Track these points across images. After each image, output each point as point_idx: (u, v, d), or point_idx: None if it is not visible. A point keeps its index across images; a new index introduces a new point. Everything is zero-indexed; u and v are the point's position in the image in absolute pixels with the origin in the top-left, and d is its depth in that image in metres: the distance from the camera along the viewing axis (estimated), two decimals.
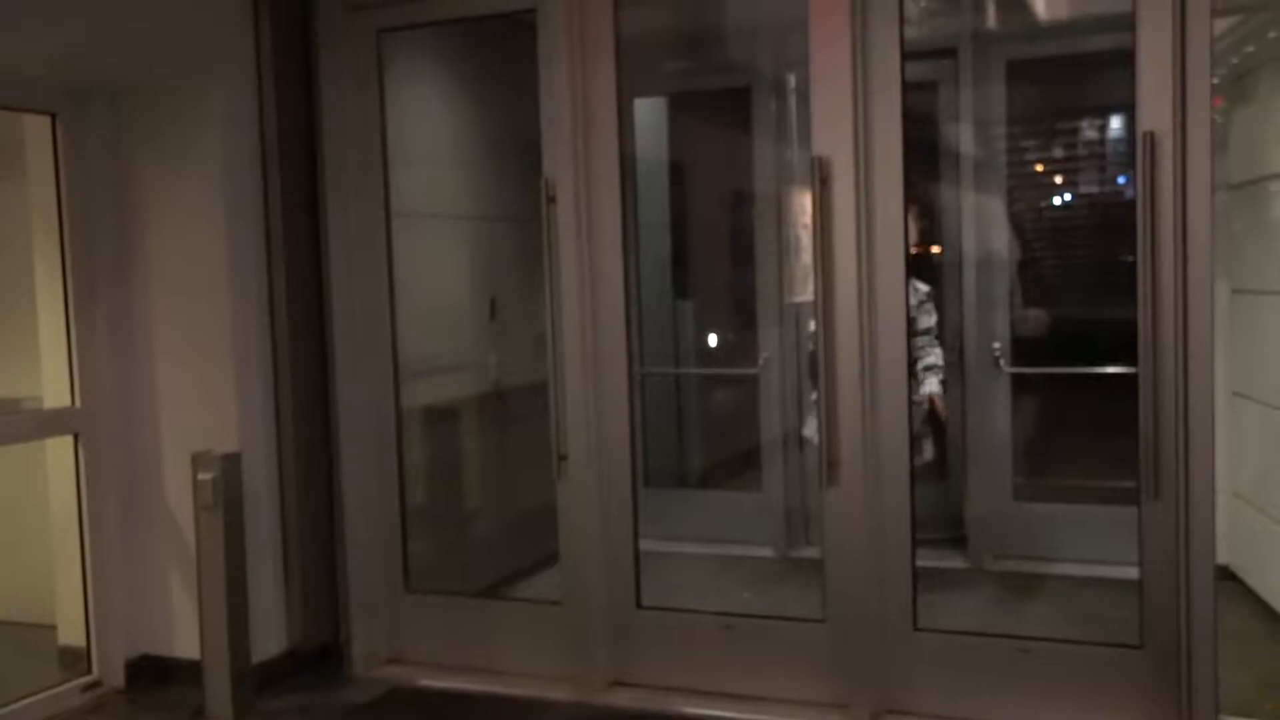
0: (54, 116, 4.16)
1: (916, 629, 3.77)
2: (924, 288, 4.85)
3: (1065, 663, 3.64)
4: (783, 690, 3.91)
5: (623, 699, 4.05)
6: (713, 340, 6.37)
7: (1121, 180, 5.70)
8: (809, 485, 5.53)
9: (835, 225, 3.72)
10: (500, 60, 4.95)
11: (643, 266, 5.60)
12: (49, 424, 4.24)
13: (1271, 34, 4.55)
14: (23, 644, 4.73)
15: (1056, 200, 5.91)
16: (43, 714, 4.04)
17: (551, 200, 4.05)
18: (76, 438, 4.23)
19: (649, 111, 6.03)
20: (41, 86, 4.06)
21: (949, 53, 5.35)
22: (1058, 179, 5.89)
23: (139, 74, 4.11)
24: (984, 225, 5.42)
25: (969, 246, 5.38)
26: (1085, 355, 5.26)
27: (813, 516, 5.31)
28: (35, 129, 4.22)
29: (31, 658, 4.59)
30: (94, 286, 4.24)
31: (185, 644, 4.20)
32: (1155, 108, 3.35)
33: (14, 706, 3.98)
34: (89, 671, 4.26)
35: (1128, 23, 3.40)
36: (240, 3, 4.23)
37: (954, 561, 5.30)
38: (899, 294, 3.72)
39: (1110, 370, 4.98)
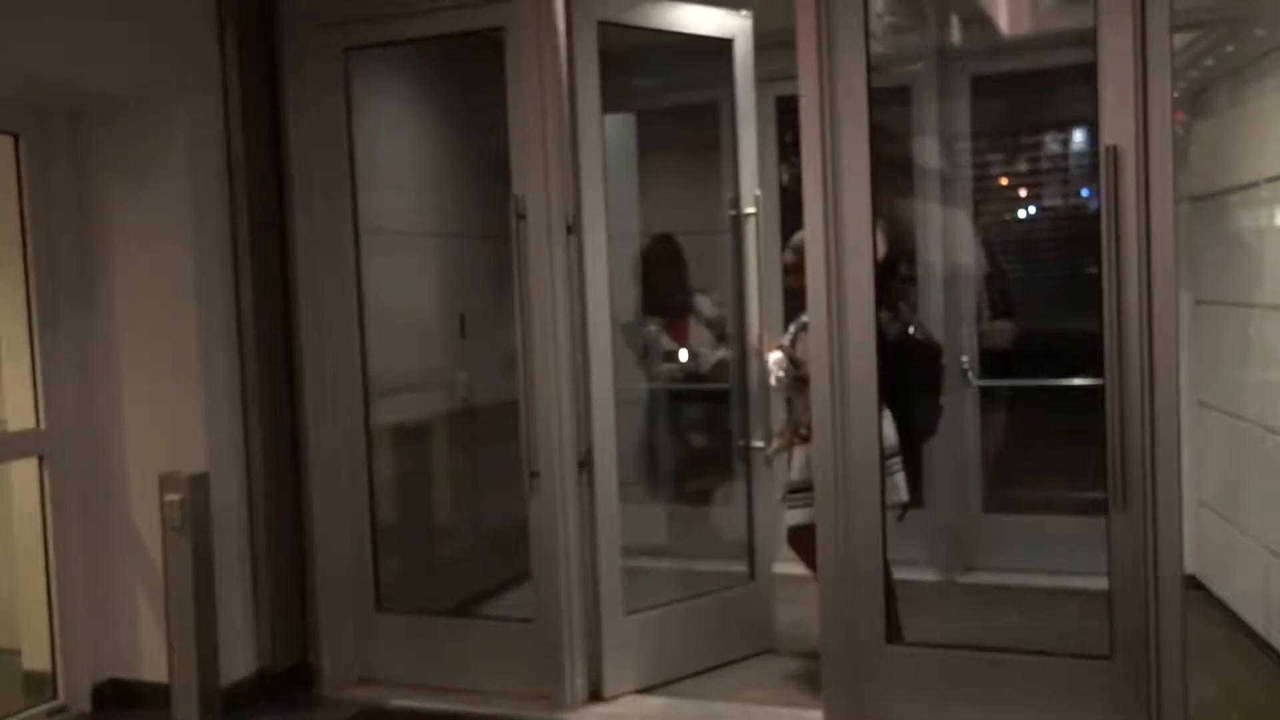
0: (16, 137, 4.12)
1: (889, 642, 3.79)
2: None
3: (1036, 674, 3.66)
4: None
5: (597, 714, 4.04)
6: (684, 355, 6.36)
7: (1085, 193, 5.78)
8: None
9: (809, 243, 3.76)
10: (468, 77, 4.95)
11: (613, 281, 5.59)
12: (13, 446, 4.18)
13: (1229, 48, 4.64)
14: None
15: (1022, 213, 5.97)
16: None
17: (521, 217, 4.05)
18: (41, 460, 4.17)
19: (618, 128, 6.04)
20: (3, 107, 4.01)
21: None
22: (1023, 192, 5.96)
23: (102, 94, 4.07)
24: (950, 239, 5.47)
25: (935, 260, 5.43)
26: (1052, 367, 5.31)
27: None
28: None
29: None
30: (58, 307, 4.20)
31: (153, 667, 4.15)
32: (1117, 121, 3.39)
33: None
34: (55, 697, 4.19)
35: (1089, 38, 3.45)
36: (205, 22, 4.22)
37: (924, 574, 5.33)
38: (868, 316, 3.75)
39: (1077, 382, 5.04)
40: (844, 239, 3.74)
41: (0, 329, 4.24)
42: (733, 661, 4.43)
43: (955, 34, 5.61)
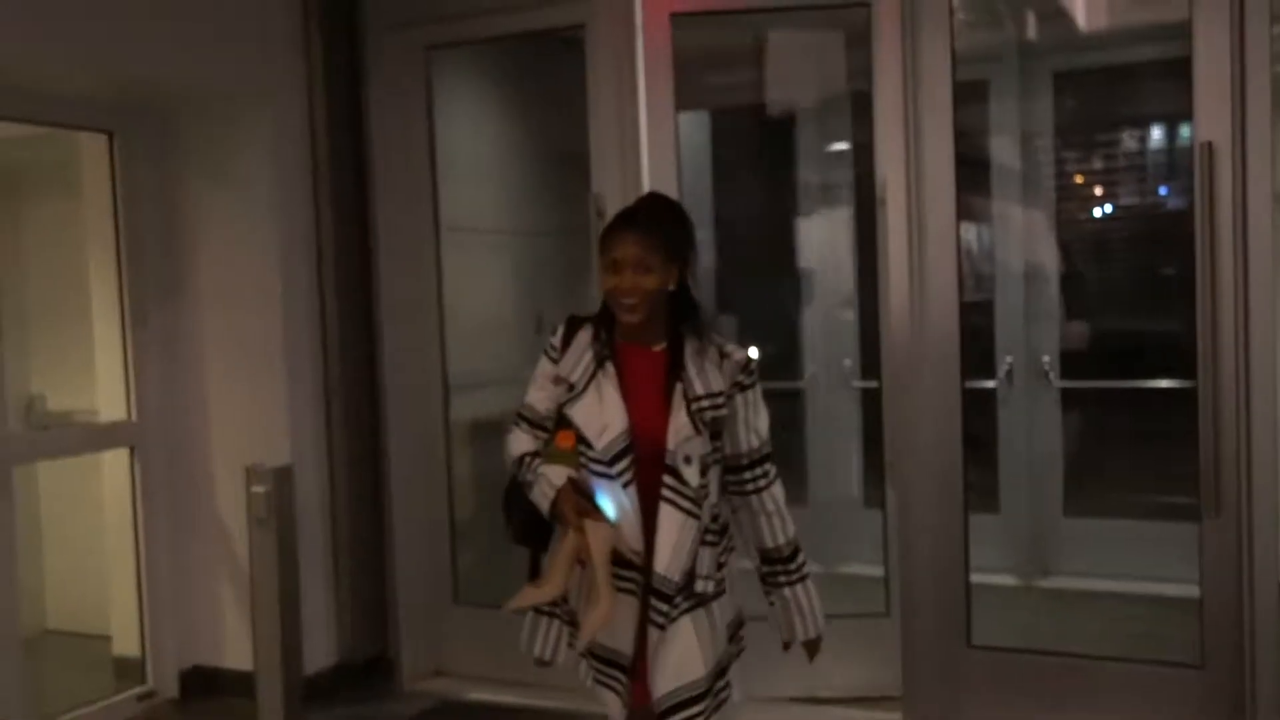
0: (111, 135, 4.23)
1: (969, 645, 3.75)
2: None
3: (1120, 681, 3.59)
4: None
5: None
6: (754, 353, 6.33)
7: (1163, 191, 5.65)
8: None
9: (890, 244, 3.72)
10: (548, 75, 4.97)
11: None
12: (105, 437, 4.29)
13: None
14: (79, 654, 4.79)
15: (1104, 211, 5.86)
16: None
17: (600, 215, 4.06)
18: (132, 451, 4.28)
19: (692, 126, 6.03)
20: (99, 106, 4.12)
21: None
22: (1105, 190, 5.84)
23: (191, 93, 4.16)
24: (1030, 238, 5.38)
25: (1015, 259, 5.35)
26: (1132, 368, 5.20)
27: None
28: (91, 148, 4.30)
29: (88, 668, 4.65)
30: (148, 302, 4.30)
31: (237, 655, 4.23)
32: (1213, 117, 3.31)
33: (72, 715, 4.02)
34: (144, 682, 4.30)
35: (1183, 31, 3.37)
36: (290, 22, 4.29)
37: (1001, 578, 5.24)
38: (951, 318, 3.70)
39: (1163, 384, 4.92)
40: (926, 238, 3.70)
41: (94, 322, 4.36)
42: None
43: (1035, 29, 5.51)
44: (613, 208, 4.02)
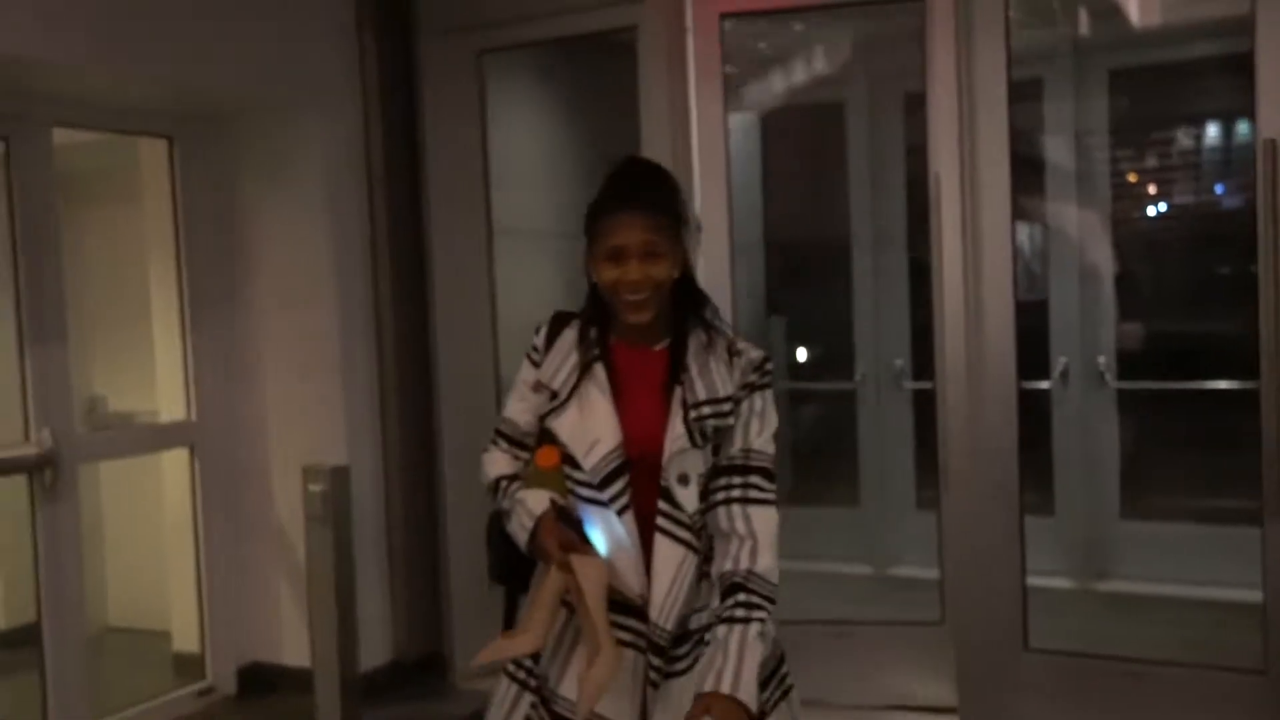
0: (170, 140, 4.30)
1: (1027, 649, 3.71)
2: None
3: (1179, 686, 3.54)
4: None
5: None
6: (802, 354, 6.32)
7: (1219, 189, 5.56)
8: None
9: (944, 242, 3.70)
10: (600, 77, 4.99)
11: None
12: (165, 437, 4.38)
13: None
14: (140, 650, 4.89)
15: (1159, 210, 5.77)
16: (162, 718, 4.17)
17: None
18: (191, 450, 4.36)
19: (742, 126, 6.03)
20: (159, 113, 4.20)
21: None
22: (1160, 189, 5.76)
23: (248, 99, 4.23)
24: (1085, 237, 5.32)
25: (1069, 259, 5.29)
26: (1190, 369, 5.12)
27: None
28: (151, 153, 4.38)
29: (148, 664, 4.73)
30: (207, 304, 4.37)
31: (294, 652, 4.30)
32: (1276, 113, 3.26)
33: (134, 710, 4.11)
34: (203, 678, 4.37)
35: (1244, 26, 3.32)
36: (345, 28, 4.35)
37: (1056, 581, 5.18)
38: (1007, 318, 3.68)
39: (1223, 385, 4.84)
40: (981, 239, 3.67)
41: (154, 324, 4.44)
42: None
43: (1089, 27, 5.45)
44: None
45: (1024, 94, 5.22)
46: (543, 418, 2.11)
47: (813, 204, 6.31)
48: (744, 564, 1.97)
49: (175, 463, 4.43)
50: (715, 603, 2.00)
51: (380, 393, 4.42)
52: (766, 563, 1.99)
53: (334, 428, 4.28)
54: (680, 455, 2.00)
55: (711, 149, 4.04)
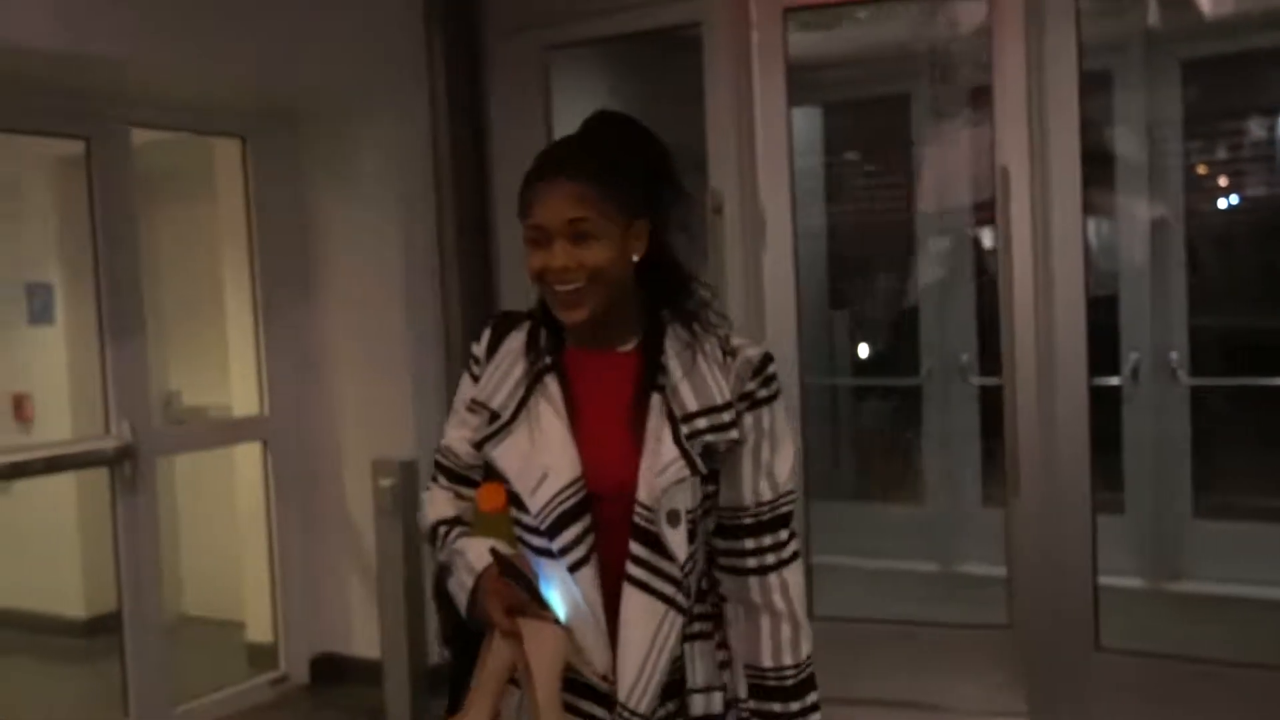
0: (243, 140, 4.39)
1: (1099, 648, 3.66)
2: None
3: (1253, 688, 3.48)
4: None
5: None
6: (864, 350, 6.29)
7: None
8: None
9: (1013, 238, 3.65)
10: (665, 73, 5.00)
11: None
12: (239, 431, 4.47)
13: None
14: (214, 639, 4.99)
15: (1231, 203, 5.66)
16: (236, 707, 4.26)
17: (718, 211, 4.07)
18: (264, 444, 4.44)
19: (803, 120, 6.00)
20: (233, 113, 4.29)
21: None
22: (1232, 181, 5.64)
23: (320, 99, 4.30)
24: (1156, 231, 5.23)
25: (1140, 253, 5.19)
26: (1265, 365, 5.01)
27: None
28: (225, 152, 4.47)
29: (223, 653, 4.84)
30: (279, 301, 4.45)
31: (364, 643, 4.36)
32: None
33: (209, 698, 4.21)
34: (276, 667, 4.46)
35: None
36: (413, 27, 4.39)
37: (1128, 580, 5.10)
38: (1079, 313, 3.63)
39: None
40: (1051, 234, 3.63)
41: (227, 321, 4.54)
42: None
43: (1159, 17, 5.35)
44: (731, 204, 4.05)
45: (1092, 86, 5.15)
46: (479, 445, 1.66)
47: (876, 195, 6.27)
48: (788, 655, 1.63)
49: (248, 456, 4.52)
50: (742, 692, 1.66)
51: (448, 389, 4.47)
52: (807, 644, 1.65)
53: (403, 423, 4.33)
54: (672, 489, 1.55)
55: (774, 144, 4.02)
